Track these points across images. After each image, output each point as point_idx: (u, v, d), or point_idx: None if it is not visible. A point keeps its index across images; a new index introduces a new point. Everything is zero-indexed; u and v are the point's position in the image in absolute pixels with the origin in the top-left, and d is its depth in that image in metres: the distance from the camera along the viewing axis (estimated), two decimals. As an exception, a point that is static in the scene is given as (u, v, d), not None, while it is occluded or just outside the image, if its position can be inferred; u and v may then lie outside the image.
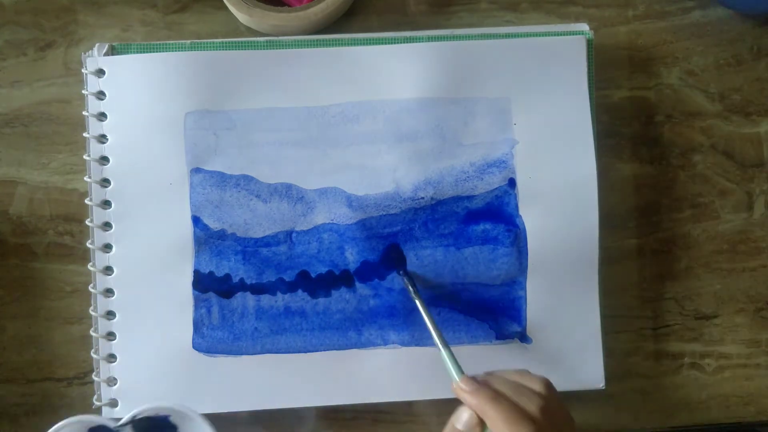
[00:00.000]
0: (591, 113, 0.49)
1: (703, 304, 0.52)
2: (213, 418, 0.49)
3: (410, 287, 0.47)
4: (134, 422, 0.44)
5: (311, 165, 0.48)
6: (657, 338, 0.52)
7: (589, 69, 0.49)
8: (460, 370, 0.43)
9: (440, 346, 0.44)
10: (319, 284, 0.48)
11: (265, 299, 0.48)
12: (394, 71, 0.49)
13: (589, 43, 0.50)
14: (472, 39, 0.49)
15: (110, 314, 0.48)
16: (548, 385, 0.42)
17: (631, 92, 0.52)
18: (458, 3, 0.52)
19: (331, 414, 0.50)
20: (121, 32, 0.51)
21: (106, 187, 0.48)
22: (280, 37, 0.49)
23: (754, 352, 0.52)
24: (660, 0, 0.53)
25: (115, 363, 0.48)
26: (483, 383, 0.41)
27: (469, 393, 0.41)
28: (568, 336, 0.49)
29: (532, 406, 0.39)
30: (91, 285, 0.48)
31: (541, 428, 0.39)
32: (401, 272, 0.48)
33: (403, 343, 0.48)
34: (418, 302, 0.46)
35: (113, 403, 0.48)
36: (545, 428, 0.39)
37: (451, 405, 0.51)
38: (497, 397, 0.40)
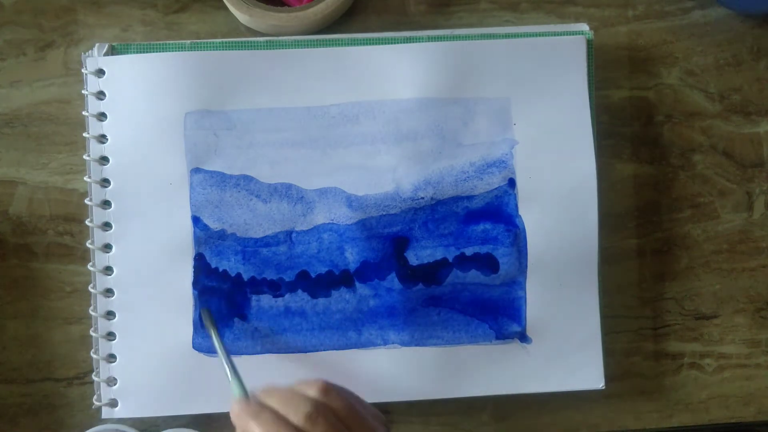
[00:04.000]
0: (591, 113, 0.49)
1: (703, 304, 0.52)
2: (212, 418, 0.49)
3: (208, 322, 0.46)
4: None
5: (311, 165, 0.48)
6: (657, 338, 0.52)
7: (589, 69, 0.49)
8: (245, 394, 0.42)
9: (228, 373, 0.43)
10: (319, 284, 0.48)
11: (265, 299, 0.48)
12: (393, 71, 0.49)
13: (589, 43, 0.50)
14: (471, 39, 0.49)
15: (110, 314, 0.48)
16: (324, 388, 0.40)
17: (631, 92, 0.52)
18: (458, 3, 0.52)
19: (331, 414, 0.50)
20: (121, 32, 0.51)
21: (106, 187, 0.48)
22: (280, 37, 0.49)
23: (754, 352, 0.52)
24: (660, 0, 0.53)
25: (115, 363, 0.48)
26: (252, 400, 0.40)
27: (236, 414, 0.40)
28: (567, 336, 0.49)
29: (298, 414, 0.38)
30: (91, 285, 0.48)
31: None
32: (203, 308, 0.47)
33: (403, 343, 0.48)
34: (214, 337, 0.45)
35: (113, 403, 0.48)
36: None
37: (450, 405, 0.51)
38: (259, 410, 0.39)
